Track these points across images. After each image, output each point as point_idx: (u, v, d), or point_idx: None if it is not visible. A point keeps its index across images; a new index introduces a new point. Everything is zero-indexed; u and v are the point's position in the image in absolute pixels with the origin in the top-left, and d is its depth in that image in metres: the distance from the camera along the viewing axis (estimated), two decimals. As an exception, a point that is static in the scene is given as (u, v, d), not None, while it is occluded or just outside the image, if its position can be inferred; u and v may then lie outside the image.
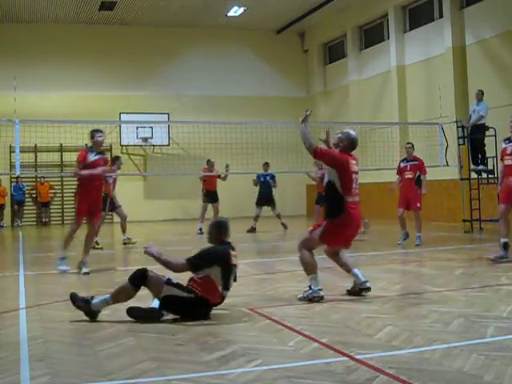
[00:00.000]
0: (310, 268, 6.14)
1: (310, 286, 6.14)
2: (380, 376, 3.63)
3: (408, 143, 12.13)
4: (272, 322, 5.21)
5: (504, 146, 8.93)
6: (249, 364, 3.97)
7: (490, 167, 14.33)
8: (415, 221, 11.33)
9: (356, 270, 6.31)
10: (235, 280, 5.62)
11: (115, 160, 13.31)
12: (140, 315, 5.37)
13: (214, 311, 5.72)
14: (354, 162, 6.18)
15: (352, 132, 6.31)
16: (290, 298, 6.29)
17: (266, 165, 16.24)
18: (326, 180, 6.21)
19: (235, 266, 5.55)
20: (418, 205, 11.38)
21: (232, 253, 5.52)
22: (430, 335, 4.60)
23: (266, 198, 16.08)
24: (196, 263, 5.44)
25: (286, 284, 7.26)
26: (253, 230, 15.46)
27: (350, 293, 6.34)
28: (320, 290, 6.07)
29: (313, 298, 6.05)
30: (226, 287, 5.46)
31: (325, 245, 6.25)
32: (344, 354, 4.13)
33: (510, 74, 15.80)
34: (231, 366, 3.92)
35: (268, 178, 16.12)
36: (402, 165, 11.77)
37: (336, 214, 6.05)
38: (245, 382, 3.63)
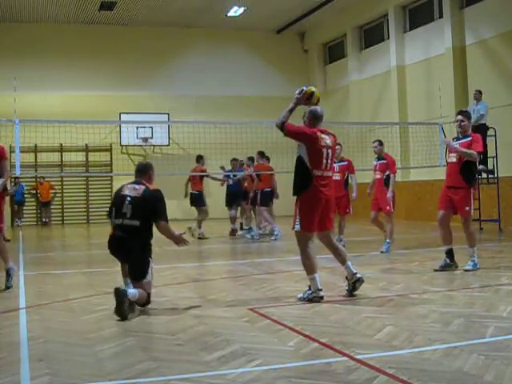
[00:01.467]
0: (309, 268, 6.13)
1: (309, 286, 6.15)
2: (380, 376, 3.63)
3: (374, 141, 11.00)
4: (272, 322, 5.21)
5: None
6: (249, 364, 3.97)
7: (490, 167, 14.33)
8: (387, 225, 10.51)
9: (349, 263, 6.32)
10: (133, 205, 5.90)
11: (200, 159, 14.36)
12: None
13: (213, 311, 5.73)
14: (325, 136, 6.19)
15: (313, 107, 6.34)
16: (290, 298, 6.29)
17: (235, 161, 15.02)
18: (296, 155, 6.23)
19: (127, 195, 5.98)
20: (388, 208, 10.40)
21: (127, 186, 6.10)
22: (430, 335, 4.60)
23: (236, 197, 14.60)
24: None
25: (286, 284, 7.26)
26: (245, 229, 14.67)
27: (349, 293, 6.33)
28: (320, 290, 6.07)
29: (312, 299, 6.05)
30: (114, 215, 6.01)
31: (309, 231, 6.16)
32: (344, 354, 4.12)
33: (509, 73, 15.80)
34: (231, 366, 3.92)
35: (238, 176, 14.77)
36: (374, 163, 10.92)
37: (302, 189, 6.10)
38: (245, 381, 3.63)
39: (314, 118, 6.26)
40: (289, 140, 6.31)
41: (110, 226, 6.11)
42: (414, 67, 19.30)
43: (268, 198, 13.83)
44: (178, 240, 5.98)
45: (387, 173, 10.46)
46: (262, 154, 14.31)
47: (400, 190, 19.14)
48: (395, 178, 10.57)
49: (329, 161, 6.18)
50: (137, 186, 6.04)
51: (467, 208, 7.78)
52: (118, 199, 6.03)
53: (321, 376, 3.70)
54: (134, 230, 5.83)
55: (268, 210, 13.87)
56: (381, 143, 10.82)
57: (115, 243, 5.97)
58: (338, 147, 10.69)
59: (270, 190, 13.90)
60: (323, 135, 6.19)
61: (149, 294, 5.81)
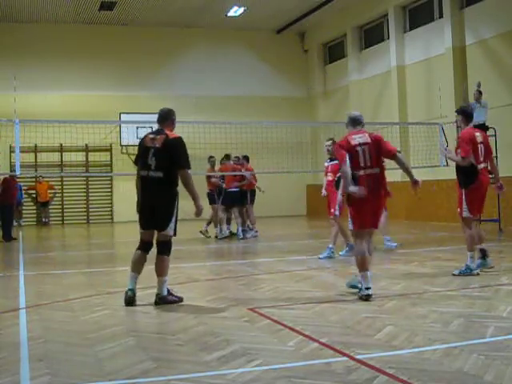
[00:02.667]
0: (359, 265, 6.19)
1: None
2: (380, 376, 3.63)
3: (328, 140, 10.23)
4: (272, 322, 5.21)
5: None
6: (249, 364, 3.97)
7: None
8: (334, 228, 9.88)
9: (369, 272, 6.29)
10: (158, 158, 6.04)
11: (245, 158, 14.49)
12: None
13: (213, 311, 5.73)
14: (356, 135, 6.34)
15: (352, 112, 6.68)
16: (290, 298, 6.29)
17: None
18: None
19: (151, 147, 6.08)
20: (332, 210, 9.70)
21: (149, 136, 6.19)
22: (430, 335, 4.60)
23: (233, 199, 14.12)
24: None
25: (286, 284, 7.26)
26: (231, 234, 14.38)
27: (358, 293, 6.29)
28: (368, 288, 6.07)
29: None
30: (140, 166, 6.18)
31: (362, 230, 6.25)
32: (344, 354, 4.12)
33: (510, 73, 15.80)
34: (231, 366, 3.92)
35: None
36: (326, 165, 10.24)
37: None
38: (245, 381, 3.63)
39: (350, 122, 6.51)
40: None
41: (136, 176, 6.28)
42: (413, 67, 19.30)
43: (231, 198, 13.78)
44: (197, 202, 6.15)
45: (339, 174, 9.49)
46: (227, 157, 14.55)
47: (400, 189, 19.14)
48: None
49: (366, 158, 6.23)
50: (158, 136, 6.12)
51: (458, 210, 7.60)
52: (144, 151, 6.15)
53: (321, 376, 3.70)
54: (159, 181, 6.01)
55: (220, 208, 13.94)
56: (334, 142, 9.97)
57: (141, 198, 6.18)
58: (328, 143, 10.18)
59: (235, 190, 13.93)
60: (353, 136, 6.37)
61: (169, 242, 6.14)
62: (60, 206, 22.32)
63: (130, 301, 5.99)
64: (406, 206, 18.46)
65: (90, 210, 22.47)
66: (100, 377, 3.79)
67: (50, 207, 21.95)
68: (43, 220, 21.72)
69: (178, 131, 6.39)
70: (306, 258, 9.75)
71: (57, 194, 22.22)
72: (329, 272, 8.24)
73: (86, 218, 22.42)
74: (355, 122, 6.51)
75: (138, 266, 6.13)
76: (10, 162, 19.27)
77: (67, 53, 21.98)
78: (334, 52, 24.13)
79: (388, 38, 20.42)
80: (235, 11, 21.82)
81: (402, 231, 14.92)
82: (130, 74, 22.66)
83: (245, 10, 21.71)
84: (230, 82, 23.69)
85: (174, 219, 6.08)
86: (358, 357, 4.04)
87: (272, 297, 6.44)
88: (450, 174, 16.03)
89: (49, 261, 10.85)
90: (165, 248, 6.09)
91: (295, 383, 3.58)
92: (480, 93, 14.17)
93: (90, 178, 22.34)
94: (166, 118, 6.27)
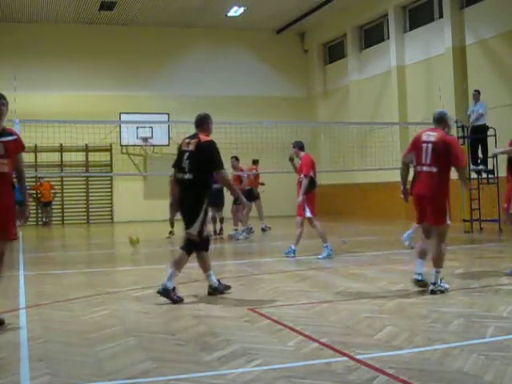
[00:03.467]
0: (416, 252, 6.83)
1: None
2: (380, 376, 3.63)
3: (293, 142, 10.18)
4: (272, 322, 5.21)
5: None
6: (249, 364, 3.97)
7: (489, 167, 14.33)
8: (315, 230, 9.76)
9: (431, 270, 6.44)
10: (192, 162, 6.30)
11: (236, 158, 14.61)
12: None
13: (213, 311, 5.73)
14: (429, 133, 6.45)
15: (438, 110, 6.88)
16: (290, 298, 6.29)
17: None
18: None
19: (186, 151, 6.37)
20: (302, 212, 9.60)
21: (185, 141, 6.49)
22: (430, 335, 4.60)
23: (216, 198, 13.77)
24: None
25: (286, 284, 7.26)
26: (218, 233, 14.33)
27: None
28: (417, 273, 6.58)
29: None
30: (177, 169, 6.44)
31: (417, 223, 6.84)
32: (344, 354, 4.12)
33: (510, 73, 15.80)
34: (231, 366, 3.92)
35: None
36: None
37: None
38: (245, 381, 3.63)
39: (433, 119, 6.63)
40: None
41: (172, 179, 6.65)
42: (413, 67, 19.30)
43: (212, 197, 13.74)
44: (236, 194, 6.79)
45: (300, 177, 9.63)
46: None
47: (400, 189, 19.18)
48: (308, 181, 9.52)
49: (428, 155, 6.33)
50: (192, 140, 6.42)
51: (505, 205, 7.63)
52: (180, 154, 6.44)
53: (321, 376, 3.70)
54: (189, 182, 6.28)
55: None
56: (295, 145, 9.94)
57: (177, 198, 6.54)
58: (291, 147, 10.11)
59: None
60: (426, 132, 6.50)
61: (191, 241, 6.31)
62: (60, 206, 22.32)
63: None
64: (406, 205, 18.43)
65: (90, 210, 22.48)
66: (100, 377, 3.79)
67: (52, 207, 21.95)
68: (44, 220, 21.73)
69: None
70: (306, 258, 9.75)
71: (57, 194, 22.23)
72: (329, 272, 8.23)
73: (86, 218, 22.43)
74: (435, 120, 6.61)
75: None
76: (10, 162, 19.27)
77: (67, 53, 22.00)
78: (334, 52, 24.14)
79: (388, 38, 20.43)
80: (235, 11, 21.83)
81: (403, 231, 14.91)
82: (130, 74, 22.67)
83: (245, 10, 21.72)
84: (230, 82, 23.69)
85: (199, 220, 6.28)
86: (358, 357, 4.04)
87: (272, 297, 6.43)
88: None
89: (49, 261, 10.85)
90: (186, 245, 6.37)
91: (295, 383, 3.58)
92: (478, 93, 14.18)
93: (89, 178, 22.35)
94: (203, 122, 6.57)
